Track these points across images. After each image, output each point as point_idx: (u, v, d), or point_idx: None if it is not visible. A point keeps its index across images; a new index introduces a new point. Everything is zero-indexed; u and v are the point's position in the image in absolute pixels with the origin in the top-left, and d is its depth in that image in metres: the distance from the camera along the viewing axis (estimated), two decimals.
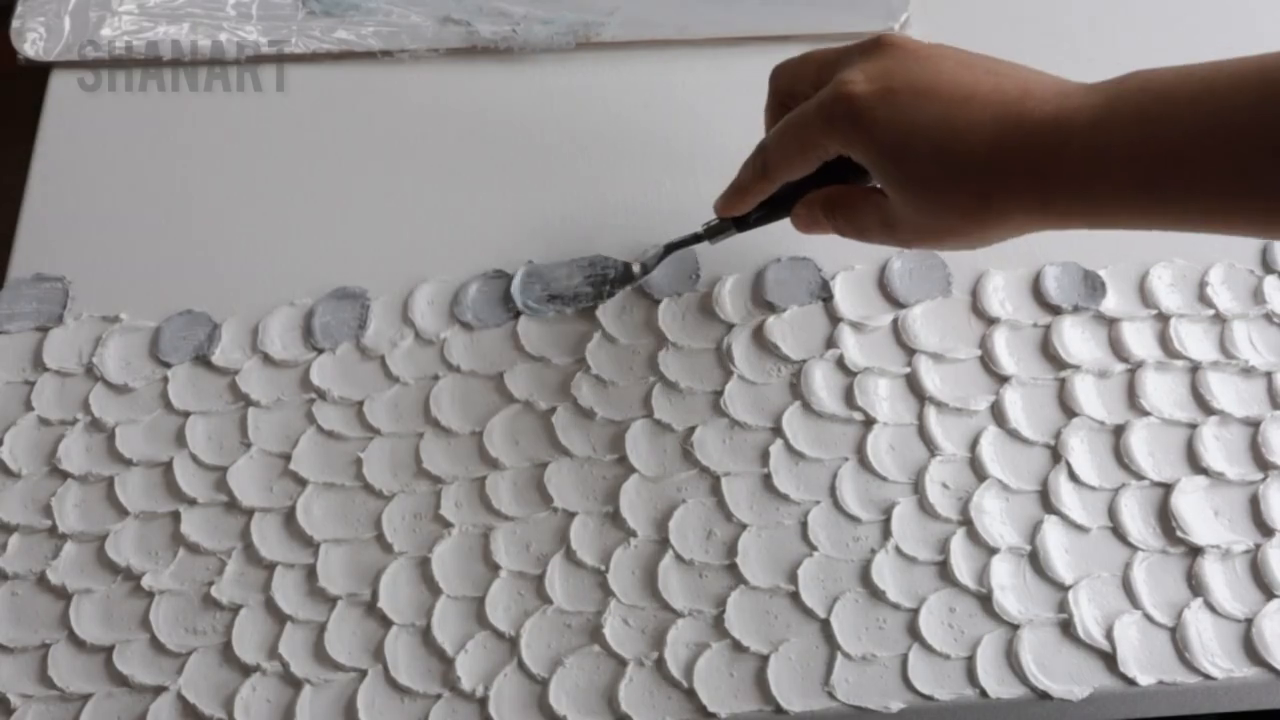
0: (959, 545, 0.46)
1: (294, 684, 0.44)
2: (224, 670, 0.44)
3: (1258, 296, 0.52)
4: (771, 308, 0.52)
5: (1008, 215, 0.38)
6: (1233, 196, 0.33)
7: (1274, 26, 0.61)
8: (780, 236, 0.54)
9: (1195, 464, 0.48)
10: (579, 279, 0.52)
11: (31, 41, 0.60)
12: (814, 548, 0.46)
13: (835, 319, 0.52)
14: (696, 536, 0.46)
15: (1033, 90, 0.37)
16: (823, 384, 0.50)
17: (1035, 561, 0.46)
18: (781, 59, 0.45)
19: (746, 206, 0.46)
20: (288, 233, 0.54)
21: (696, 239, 0.50)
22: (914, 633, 0.44)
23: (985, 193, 0.37)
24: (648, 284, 0.52)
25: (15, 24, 0.61)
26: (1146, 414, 0.49)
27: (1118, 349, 0.51)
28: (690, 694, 0.43)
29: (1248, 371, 0.50)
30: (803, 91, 0.43)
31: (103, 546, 0.47)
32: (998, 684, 0.43)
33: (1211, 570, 0.45)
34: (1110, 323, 0.51)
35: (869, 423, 0.49)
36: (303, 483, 0.48)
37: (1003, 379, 0.50)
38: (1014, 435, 0.48)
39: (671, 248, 0.51)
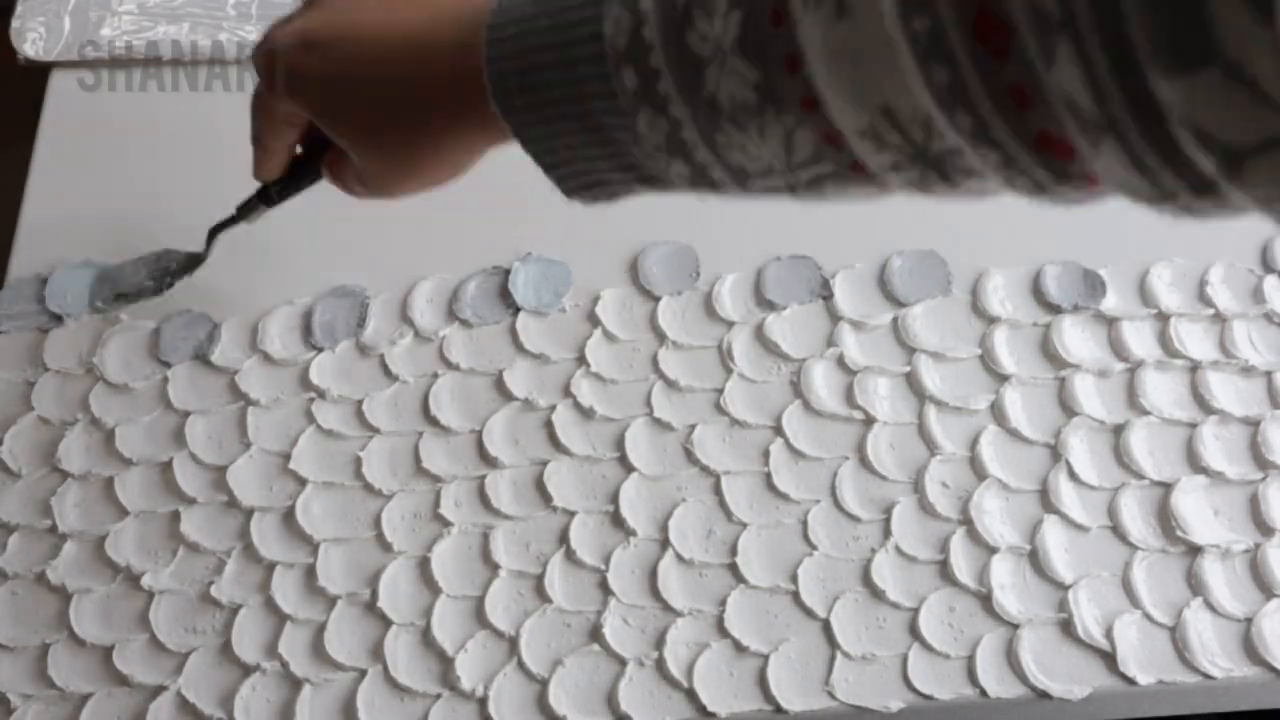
0: (959, 545, 0.46)
1: (294, 683, 0.44)
2: (224, 670, 0.44)
3: (1258, 296, 0.52)
4: (772, 306, 0.52)
5: (446, 139, 0.37)
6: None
7: None
8: (780, 235, 0.54)
9: (1195, 463, 0.48)
10: (143, 274, 0.52)
11: (31, 41, 0.60)
12: (814, 547, 0.46)
13: (835, 317, 0.51)
14: (696, 536, 0.46)
15: (445, 10, 0.36)
16: (823, 383, 0.50)
17: (1035, 561, 0.46)
18: None
19: (267, 172, 0.45)
20: (287, 232, 0.53)
21: (234, 220, 0.49)
22: (914, 632, 0.44)
23: (416, 124, 0.37)
24: (647, 277, 0.52)
25: (15, 24, 0.61)
26: (1146, 413, 0.49)
27: (1118, 348, 0.51)
28: (690, 694, 0.43)
29: (1248, 371, 0.50)
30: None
31: (102, 546, 0.47)
32: (998, 683, 0.43)
33: (1211, 570, 0.45)
34: (1110, 322, 0.51)
35: (869, 422, 0.49)
36: (302, 482, 0.48)
37: (1003, 378, 0.50)
38: (1014, 434, 0.48)
39: (215, 231, 0.50)
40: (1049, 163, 0.25)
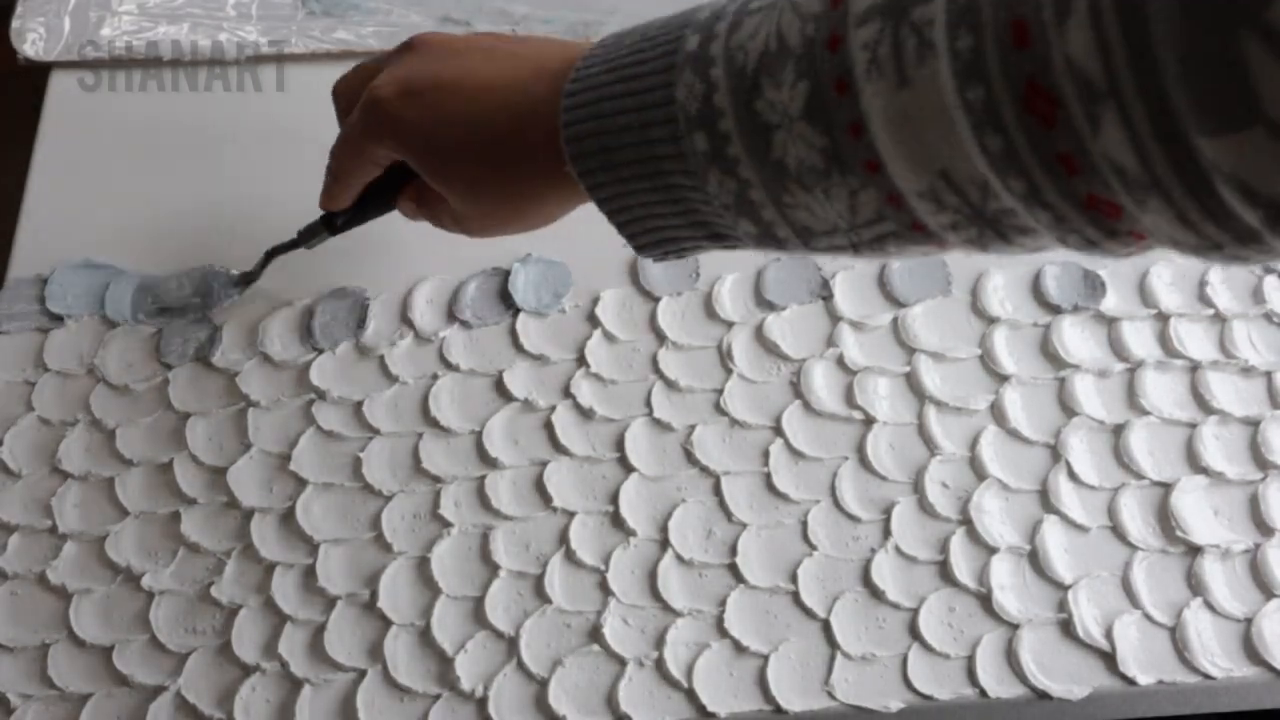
0: (959, 545, 0.46)
1: (293, 684, 0.44)
2: (223, 670, 0.44)
3: (1257, 296, 0.52)
4: (771, 306, 0.52)
5: (543, 194, 0.38)
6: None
7: None
8: None
9: (1195, 463, 0.48)
10: (189, 289, 0.52)
11: (31, 41, 0.60)
12: (814, 547, 0.46)
13: (835, 318, 0.51)
14: (696, 536, 0.46)
15: (545, 68, 0.37)
16: (823, 383, 0.50)
17: (1035, 561, 0.46)
18: None
19: (337, 203, 0.46)
20: (287, 232, 0.53)
21: (294, 244, 0.49)
22: (914, 632, 0.44)
23: (516, 177, 0.38)
24: (647, 277, 0.52)
25: (15, 24, 0.61)
26: (1146, 413, 0.49)
27: (1117, 348, 0.51)
28: (690, 694, 0.43)
29: (1247, 371, 0.50)
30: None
31: (103, 546, 0.47)
32: (997, 683, 0.43)
33: (1211, 570, 0.45)
34: (1110, 322, 0.51)
35: (869, 422, 0.49)
36: (302, 482, 0.48)
37: (1003, 378, 0.50)
38: (1014, 435, 0.48)
39: (272, 253, 0.51)
40: (1098, 221, 0.26)
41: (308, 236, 0.49)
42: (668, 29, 0.33)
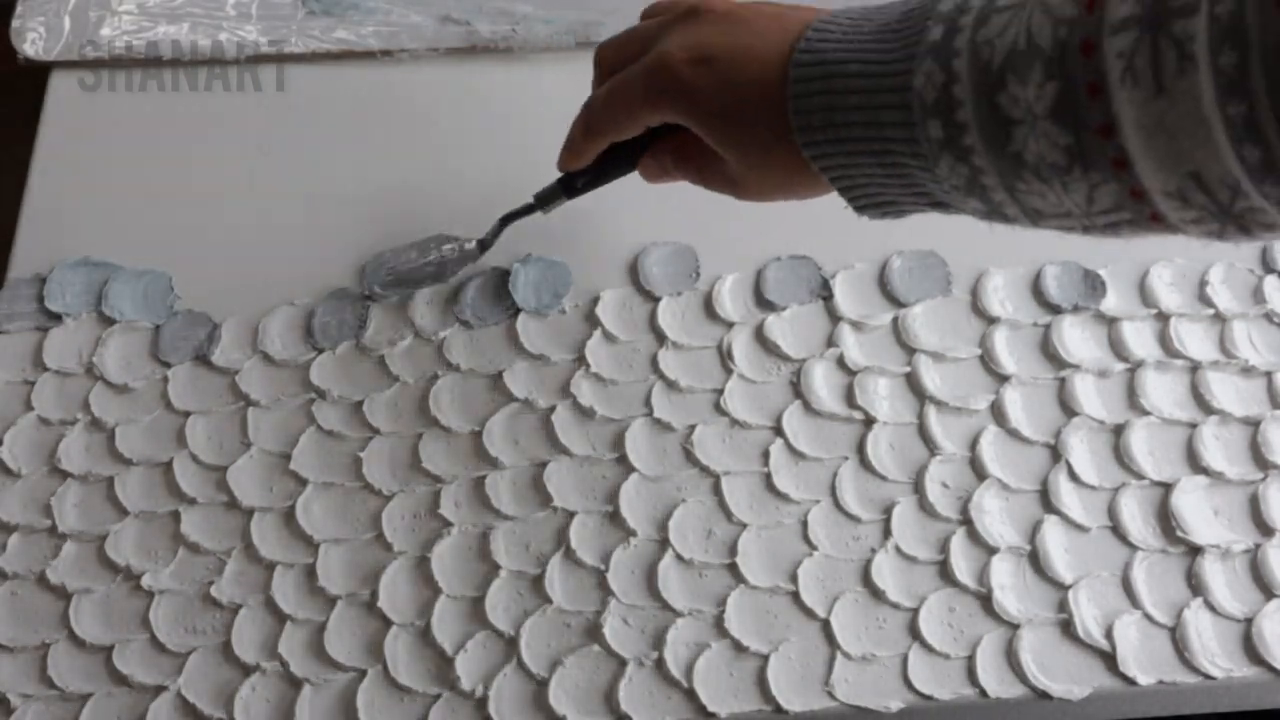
0: (959, 545, 0.46)
1: (294, 683, 0.44)
2: (224, 670, 0.44)
3: (1258, 296, 0.52)
4: (771, 306, 0.52)
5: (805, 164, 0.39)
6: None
7: None
8: (780, 236, 0.54)
9: (1195, 464, 0.48)
10: (420, 259, 0.52)
11: (31, 41, 0.60)
12: (814, 547, 0.46)
13: (835, 318, 0.51)
14: (696, 536, 0.46)
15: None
16: (823, 383, 0.50)
17: (1035, 561, 0.46)
18: None
19: (576, 164, 0.46)
20: (287, 232, 0.54)
21: (530, 209, 0.49)
22: (914, 632, 0.44)
23: (794, 146, 0.38)
24: (647, 277, 0.52)
25: (15, 24, 0.61)
26: (1146, 413, 0.49)
27: (1118, 348, 0.51)
28: (690, 694, 0.43)
29: (1247, 371, 0.50)
30: (627, 64, 0.43)
31: (103, 546, 0.47)
32: (998, 684, 0.43)
33: (1211, 570, 0.45)
34: (1110, 322, 0.51)
35: (869, 422, 0.49)
36: (303, 482, 0.48)
37: (1003, 378, 0.50)
38: (1014, 435, 0.48)
39: (507, 219, 0.50)
40: None
41: (545, 201, 0.48)
42: (909, 19, 0.34)
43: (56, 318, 0.52)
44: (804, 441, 0.48)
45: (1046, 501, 0.47)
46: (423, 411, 0.49)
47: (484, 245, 0.51)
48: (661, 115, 0.41)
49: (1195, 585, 0.45)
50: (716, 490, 0.47)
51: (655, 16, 0.44)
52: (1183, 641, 0.44)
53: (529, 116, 0.59)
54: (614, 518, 0.47)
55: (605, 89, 0.43)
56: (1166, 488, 0.47)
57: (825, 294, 0.52)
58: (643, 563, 0.46)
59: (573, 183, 0.47)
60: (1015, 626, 0.44)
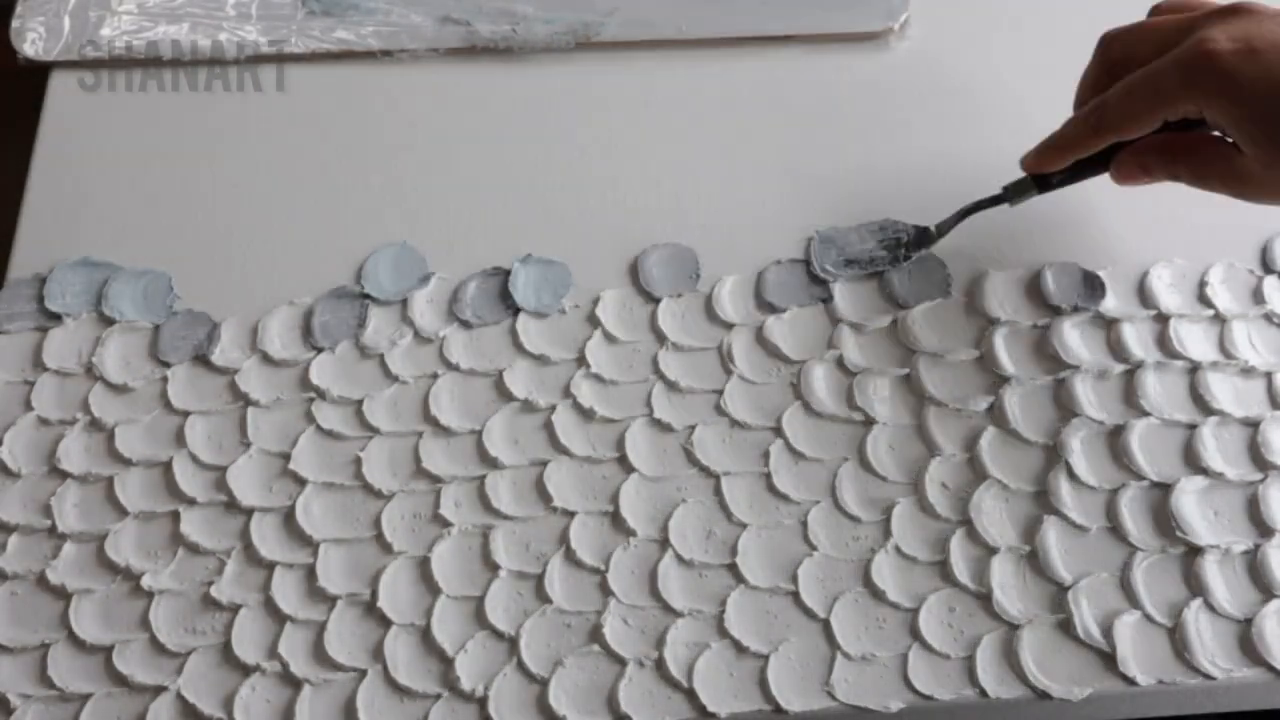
0: (959, 545, 0.46)
1: (294, 684, 0.44)
2: (223, 670, 0.44)
3: (1257, 296, 0.52)
4: (772, 308, 0.52)
5: None
6: None
7: None
8: (780, 238, 0.54)
9: (1194, 464, 0.48)
10: (872, 243, 0.53)
11: (31, 41, 0.60)
12: (814, 548, 0.46)
13: (835, 320, 0.52)
14: (696, 536, 0.46)
15: None
16: (823, 384, 0.50)
17: (1035, 561, 0.46)
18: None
19: (1063, 163, 0.46)
20: (287, 232, 0.53)
21: (997, 200, 0.49)
22: (914, 632, 0.44)
23: None
24: (647, 278, 0.52)
25: (15, 24, 0.61)
26: (1146, 414, 0.49)
27: (1117, 349, 0.51)
28: (690, 694, 0.43)
29: (1247, 372, 0.50)
30: (1143, 57, 0.43)
31: (102, 546, 0.46)
32: (997, 684, 0.43)
33: (1211, 570, 0.45)
34: (1109, 323, 0.51)
35: (869, 423, 0.49)
36: (302, 482, 0.48)
37: (1002, 379, 0.50)
38: (1013, 435, 0.48)
39: (968, 211, 0.50)
40: None
41: (1015, 193, 0.48)
42: None
43: (56, 318, 0.52)
44: (804, 442, 0.48)
45: (1046, 502, 0.47)
46: (423, 411, 0.49)
47: (941, 231, 0.52)
48: (1195, 107, 0.40)
49: (1195, 585, 0.45)
50: (716, 491, 0.47)
51: (1172, 13, 0.43)
52: (1182, 641, 0.44)
53: (529, 117, 0.59)
54: (614, 518, 0.47)
55: (1123, 85, 0.42)
56: (1166, 488, 0.47)
57: (825, 296, 0.52)
58: (643, 563, 0.46)
59: (1048, 177, 0.47)
60: (1015, 627, 0.44)
